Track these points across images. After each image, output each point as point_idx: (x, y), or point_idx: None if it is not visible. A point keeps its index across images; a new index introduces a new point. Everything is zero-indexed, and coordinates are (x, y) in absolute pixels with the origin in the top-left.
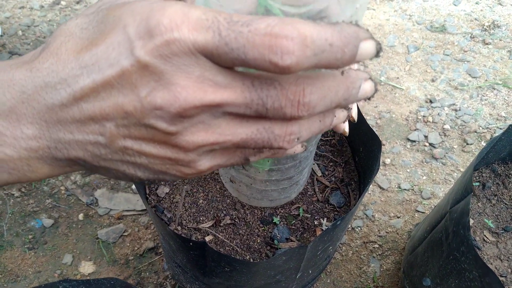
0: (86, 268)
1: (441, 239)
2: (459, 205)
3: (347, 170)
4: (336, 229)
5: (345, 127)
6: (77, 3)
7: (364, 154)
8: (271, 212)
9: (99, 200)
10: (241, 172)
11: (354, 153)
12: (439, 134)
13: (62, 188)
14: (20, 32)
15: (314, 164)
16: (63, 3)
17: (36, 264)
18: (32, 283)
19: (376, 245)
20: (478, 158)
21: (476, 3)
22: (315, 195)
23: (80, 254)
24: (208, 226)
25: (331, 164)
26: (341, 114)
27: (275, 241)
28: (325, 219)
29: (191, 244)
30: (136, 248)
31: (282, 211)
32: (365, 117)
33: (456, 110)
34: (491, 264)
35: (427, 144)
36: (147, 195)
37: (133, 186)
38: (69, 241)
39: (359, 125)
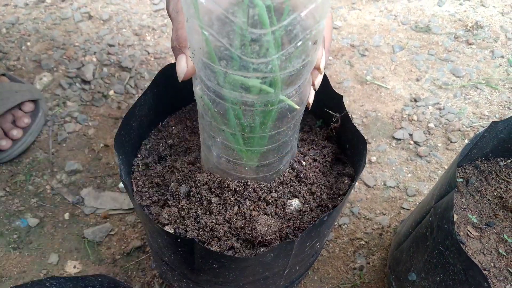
0: (73, 268)
1: (426, 234)
2: (443, 200)
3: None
4: (323, 225)
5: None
6: (63, 1)
7: (351, 152)
8: None
9: (85, 199)
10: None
11: (341, 151)
12: (424, 133)
13: (47, 187)
14: (4, 30)
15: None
16: (48, 1)
17: (21, 264)
18: (17, 283)
19: (363, 242)
20: (461, 154)
21: (460, 4)
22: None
23: (66, 253)
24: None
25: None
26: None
27: None
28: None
29: (179, 241)
30: (123, 247)
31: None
32: (351, 115)
33: (440, 109)
34: (475, 258)
35: (412, 142)
36: (134, 193)
37: (120, 185)
38: (54, 241)
39: (345, 124)
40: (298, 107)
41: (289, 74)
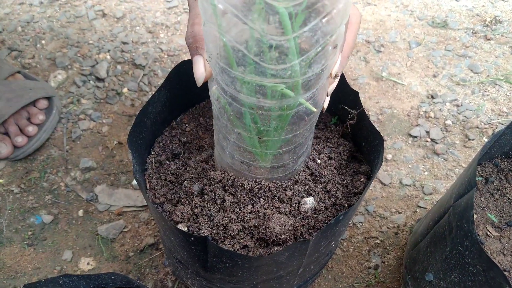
0: (86, 265)
1: (444, 234)
2: (462, 199)
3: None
4: (339, 224)
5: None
6: None
7: (367, 149)
8: None
9: (99, 196)
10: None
11: (357, 149)
12: (441, 130)
13: (61, 184)
14: (19, 28)
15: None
16: None
17: (36, 261)
18: (31, 280)
19: (378, 241)
20: (482, 152)
21: None
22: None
23: (80, 250)
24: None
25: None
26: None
27: None
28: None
29: (192, 239)
30: (136, 244)
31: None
32: (367, 113)
33: (458, 106)
34: (495, 258)
35: (428, 139)
36: (148, 190)
37: (133, 182)
38: (68, 238)
39: (361, 121)
40: (315, 110)
41: (308, 78)
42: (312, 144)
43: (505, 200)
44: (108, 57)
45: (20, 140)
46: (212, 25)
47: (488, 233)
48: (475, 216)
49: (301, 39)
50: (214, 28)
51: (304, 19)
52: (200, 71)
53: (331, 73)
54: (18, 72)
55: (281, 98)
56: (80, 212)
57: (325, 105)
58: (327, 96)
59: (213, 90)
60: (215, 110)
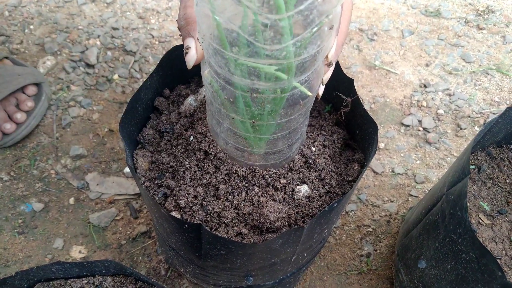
0: (78, 253)
1: (437, 222)
2: (456, 187)
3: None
4: (333, 212)
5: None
6: None
7: (360, 137)
8: None
9: (90, 184)
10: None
11: (350, 136)
12: (433, 119)
13: (52, 172)
14: (6, 13)
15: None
16: None
17: (27, 249)
18: (22, 268)
19: (370, 229)
20: (475, 140)
21: None
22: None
23: (71, 238)
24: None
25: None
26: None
27: None
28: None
29: (186, 226)
30: (128, 232)
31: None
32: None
33: (450, 95)
34: (487, 246)
35: (421, 128)
36: (141, 177)
37: (125, 170)
38: (60, 226)
39: (355, 109)
40: (310, 94)
41: (303, 60)
42: (307, 132)
43: (497, 189)
44: (98, 43)
45: (8, 127)
46: (205, 4)
47: (480, 221)
48: (467, 204)
49: (296, 18)
50: (207, 7)
51: None
52: (191, 53)
53: (327, 57)
54: (6, 57)
55: (275, 80)
56: (71, 200)
57: (320, 92)
58: (322, 84)
59: (206, 74)
60: (208, 95)
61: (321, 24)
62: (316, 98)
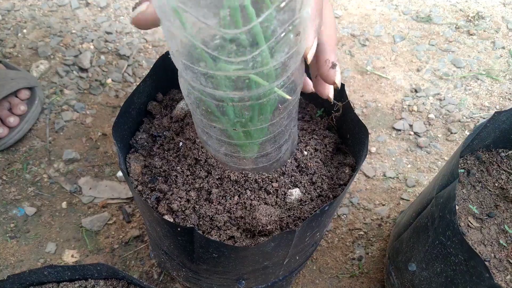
0: (70, 257)
1: (427, 225)
2: (445, 190)
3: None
4: (324, 215)
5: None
6: None
7: (352, 141)
8: None
9: (83, 188)
10: (227, 155)
11: (342, 141)
12: (424, 123)
13: (44, 176)
14: (0, 17)
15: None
16: None
17: (18, 253)
18: (14, 272)
19: (362, 232)
20: (464, 144)
21: None
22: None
23: (63, 242)
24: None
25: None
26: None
27: None
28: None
29: (178, 229)
30: (121, 236)
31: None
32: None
33: (440, 100)
34: (475, 249)
35: (412, 133)
36: (134, 181)
37: (118, 174)
38: (52, 230)
39: (346, 113)
40: (289, 97)
41: (274, 68)
42: (299, 136)
43: (486, 192)
44: (92, 47)
45: (1, 131)
46: (167, 22)
47: (470, 224)
48: (457, 207)
49: (256, 30)
50: (169, 25)
51: (256, 11)
52: (141, 7)
53: (328, 60)
54: None
55: (248, 89)
56: (64, 204)
57: (331, 95)
58: (337, 87)
59: (183, 89)
60: (189, 105)
61: (285, 31)
62: (328, 100)
